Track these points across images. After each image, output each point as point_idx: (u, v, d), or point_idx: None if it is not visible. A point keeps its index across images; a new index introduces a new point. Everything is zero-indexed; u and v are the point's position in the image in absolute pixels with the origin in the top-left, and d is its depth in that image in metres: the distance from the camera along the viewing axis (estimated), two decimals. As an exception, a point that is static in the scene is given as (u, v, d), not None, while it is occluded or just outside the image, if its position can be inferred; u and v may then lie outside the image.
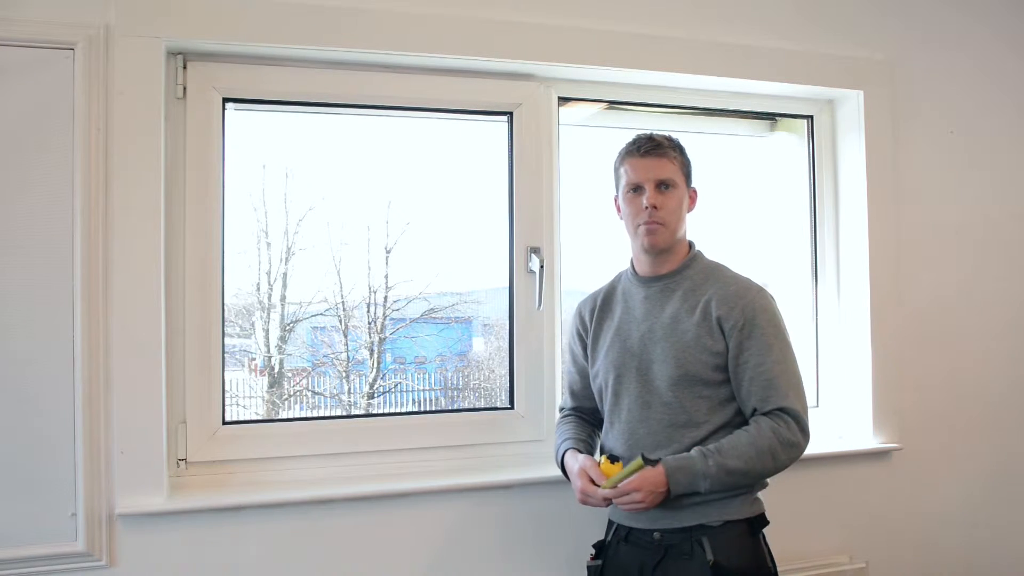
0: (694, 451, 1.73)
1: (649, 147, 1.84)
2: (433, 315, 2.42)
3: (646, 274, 1.89)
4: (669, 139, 1.88)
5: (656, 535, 1.78)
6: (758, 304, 1.79)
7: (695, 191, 1.92)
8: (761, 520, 1.83)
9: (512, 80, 2.24)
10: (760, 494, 1.85)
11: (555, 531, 2.15)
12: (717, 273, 1.86)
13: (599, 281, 2.04)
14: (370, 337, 2.38)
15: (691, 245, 1.92)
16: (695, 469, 1.70)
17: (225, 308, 2.06)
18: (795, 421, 1.74)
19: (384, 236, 2.32)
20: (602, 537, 1.93)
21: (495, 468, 2.18)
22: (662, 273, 1.87)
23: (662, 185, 1.82)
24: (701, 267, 1.88)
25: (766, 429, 1.72)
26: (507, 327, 2.27)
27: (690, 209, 1.91)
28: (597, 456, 1.89)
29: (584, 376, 1.99)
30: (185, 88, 2.00)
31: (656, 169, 1.82)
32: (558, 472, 1.97)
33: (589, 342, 1.97)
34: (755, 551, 1.78)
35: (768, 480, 1.83)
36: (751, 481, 1.76)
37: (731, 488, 1.74)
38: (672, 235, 1.84)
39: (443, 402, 2.49)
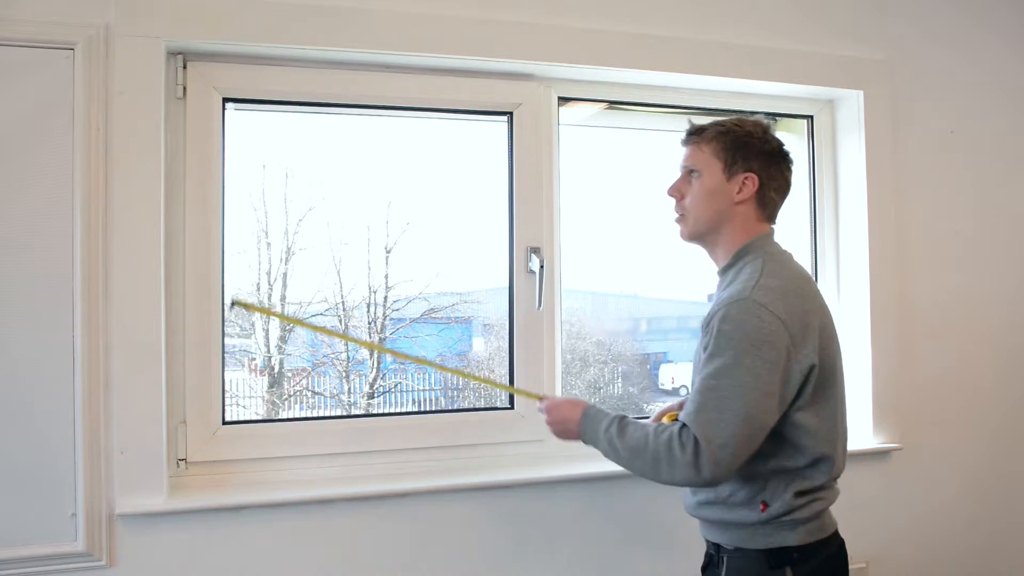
0: (613, 414, 1.64)
1: (685, 135, 1.75)
2: (433, 315, 2.42)
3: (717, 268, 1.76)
4: (711, 124, 1.72)
5: (705, 539, 1.73)
6: (727, 312, 1.53)
7: (748, 177, 1.67)
8: (784, 554, 1.58)
9: (512, 80, 2.24)
10: (795, 519, 1.59)
11: (555, 531, 2.15)
12: (743, 274, 1.62)
13: (598, 281, 2.02)
14: (370, 337, 2.38)
15: (749, 239, 1.68)
16: (597, 429, 1.63)
17: (225, 308, 2.06)
18: (692, 445, 1.48)
19: (384, 236, 2.32)
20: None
21: (495, 468, 2.17)
22: (719, 268, 1.73)
23: (689, 174, 1.71)
24: (742, 265, 1.65)
25: (665, 436, 1.52)
26: (507, 327, 2.27)
27: (738, 196, 1.67)
28: None
29: None
30: (185, 88, 2.00)
31: (687, 157, 1.73)
32: (558, 472, 1.96)
33: None
34: None
35: (815, 508, 1.62)
36: (631, 472, 1.61)
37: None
38: (694, 227, 1.70)
39: (443, 402, 2.49)
